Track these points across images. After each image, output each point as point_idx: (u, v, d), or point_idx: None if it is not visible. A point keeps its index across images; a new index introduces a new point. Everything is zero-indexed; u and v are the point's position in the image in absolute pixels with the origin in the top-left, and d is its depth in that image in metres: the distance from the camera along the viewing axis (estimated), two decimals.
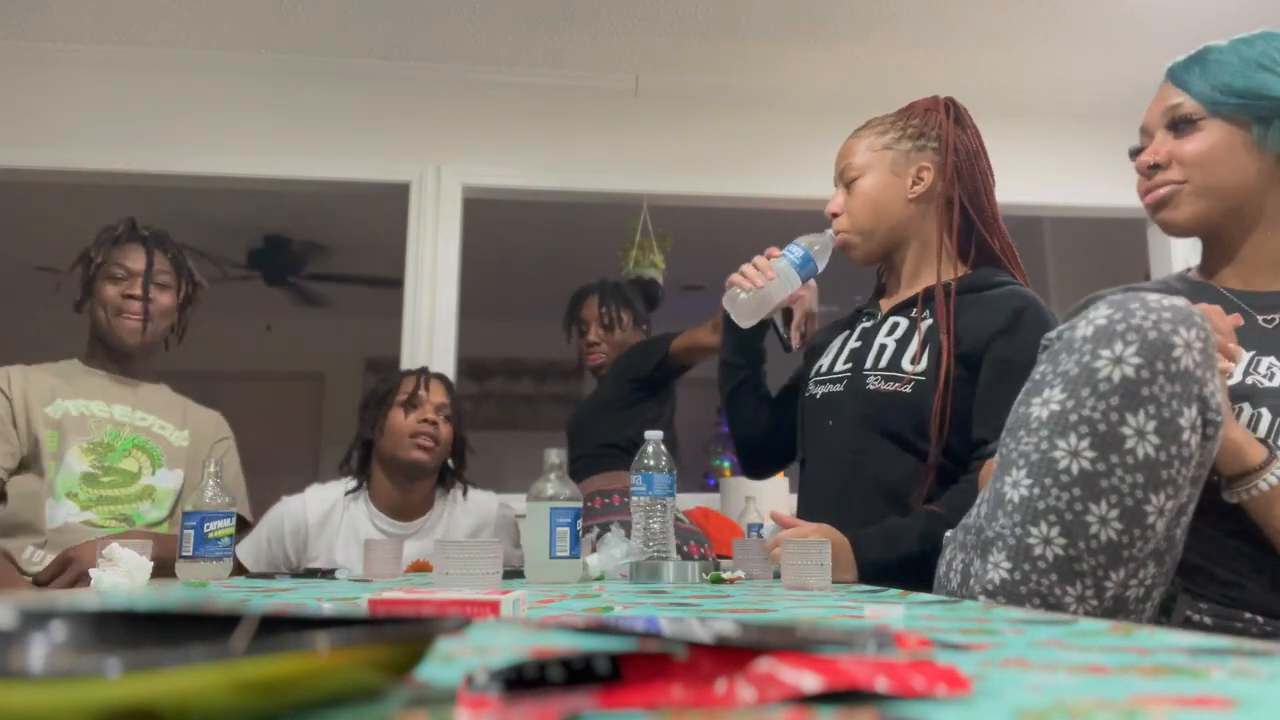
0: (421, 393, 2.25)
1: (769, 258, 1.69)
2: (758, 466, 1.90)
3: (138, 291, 2.09)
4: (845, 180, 1.68)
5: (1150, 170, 1.26)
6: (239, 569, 2.21)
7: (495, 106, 3.61)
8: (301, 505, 2.24)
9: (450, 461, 2.33)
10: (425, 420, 2.21)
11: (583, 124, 3.64)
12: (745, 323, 1.70)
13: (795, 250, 1.69)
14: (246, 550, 2.20)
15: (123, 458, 2.07)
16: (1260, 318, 1.20)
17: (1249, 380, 1.13)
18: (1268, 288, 1.23)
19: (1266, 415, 1.10)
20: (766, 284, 1.66)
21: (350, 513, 2.23)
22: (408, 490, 2.25)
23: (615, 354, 2.80)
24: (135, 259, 2.12)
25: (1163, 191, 1.24)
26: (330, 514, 2.23)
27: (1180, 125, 1.23)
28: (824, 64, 3.57)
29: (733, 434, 1.87)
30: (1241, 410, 1.12)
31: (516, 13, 3.26)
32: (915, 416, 1.52)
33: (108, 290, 2.09)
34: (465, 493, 2.32)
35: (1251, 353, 1.16)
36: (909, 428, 1.52)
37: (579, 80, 3.63)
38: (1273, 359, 1.14)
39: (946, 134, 1.63)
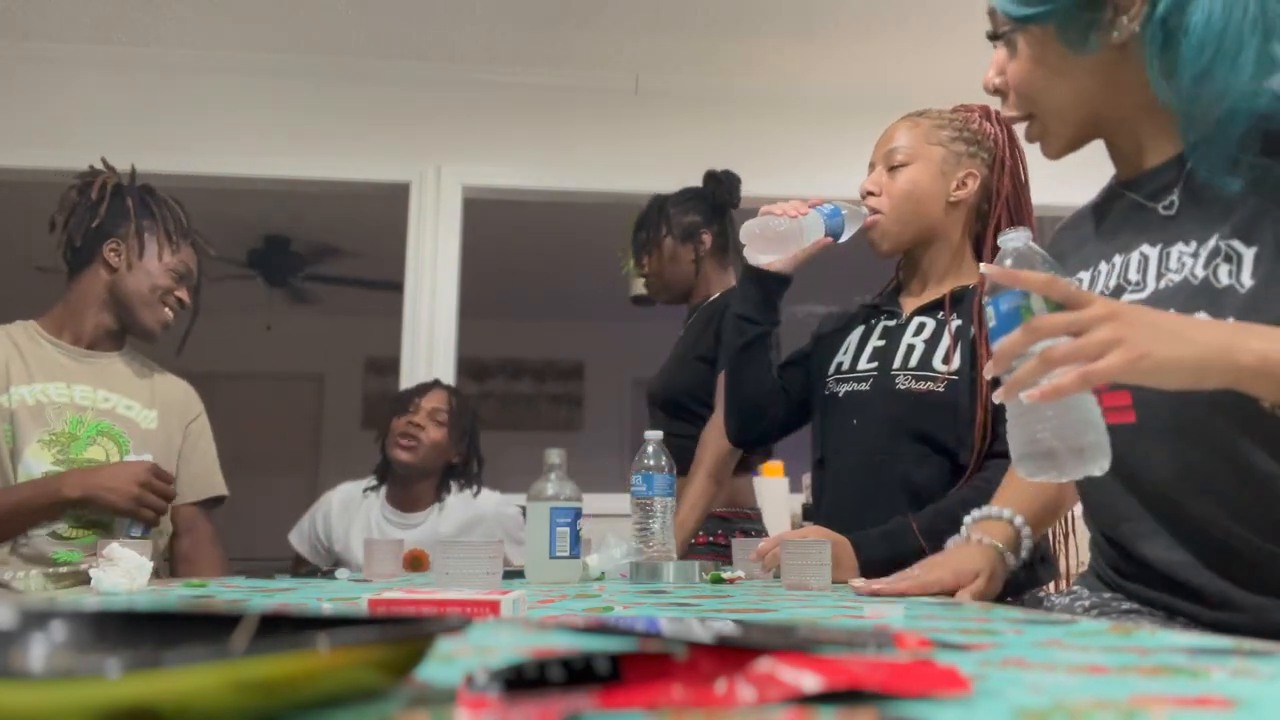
0: (417, 399, 2.48)
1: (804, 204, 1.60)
2: (752, 430, 1.78)
3: (186, 295, 1.97)
4: (890, 163, 1.61)
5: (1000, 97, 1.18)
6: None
7: (495, 106, 3.61)
8: (334, 495, 2.55)
9: (457, 464, 2.54)
10: (411, 423, 2.42)
11: (583, 124, 3.63)
12: (762, 256, 1.60)
13: (826, 206, 1.60)
14: (296, 535, 2.51)
15: (87, 447, 1.84)
16: (1159, 206, 1.07)
17: (1163, 284, 1.02)
18: (1153, 163, 1.10)
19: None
20: (800, 219, 1.55)
21: (367, 504, 2.50)
22: (407, 487, 2.48)
23: (666, 282, 2.35)
24: (190, 259, 1.99)
25: (1022, 126, 1.19)
26: (350, 504, 2.51)
27: (1002, 38, 1.12)
28: (824, 64, 3.57)
29: (733, 394, 1.75)
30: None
31: (516, 13, 3.25)
32: (947, 416, 1.50)
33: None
34: (463, 488, 2.53)
35: (1158, 245, 1.05)
36: (940, 428, 1.50)
37: (579, 80, 3.63)
38: (1180, 245, 1.02)
39: (1003, 154, 1.61)
